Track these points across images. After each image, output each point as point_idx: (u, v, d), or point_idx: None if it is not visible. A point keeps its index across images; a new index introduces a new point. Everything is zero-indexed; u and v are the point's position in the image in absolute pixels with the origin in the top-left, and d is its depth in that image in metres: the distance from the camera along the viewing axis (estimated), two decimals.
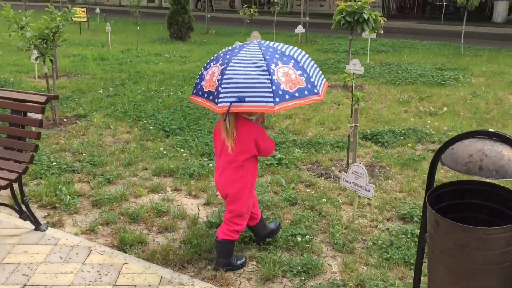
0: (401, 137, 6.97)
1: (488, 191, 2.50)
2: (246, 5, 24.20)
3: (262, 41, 3.47)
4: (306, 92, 3.22)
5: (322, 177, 5.64)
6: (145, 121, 7.68)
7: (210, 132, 7.17)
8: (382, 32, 10.30)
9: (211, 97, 3.20)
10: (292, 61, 3.30)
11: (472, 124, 7.70)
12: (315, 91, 3.28)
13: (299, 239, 4.16)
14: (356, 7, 8.91)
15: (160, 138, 6.95)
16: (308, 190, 5.29)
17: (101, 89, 10.02)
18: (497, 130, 2.31)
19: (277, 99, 3.08)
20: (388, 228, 4.42)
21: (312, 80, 3.29)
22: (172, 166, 5.79)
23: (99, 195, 5.02)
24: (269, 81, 3.11)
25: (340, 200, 5.01)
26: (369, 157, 6.33)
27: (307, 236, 4.21)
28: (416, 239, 4.13)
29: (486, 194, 2.50)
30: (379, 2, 31.46)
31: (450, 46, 17.84)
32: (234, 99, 3.06)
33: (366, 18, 9.45)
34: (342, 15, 9.12)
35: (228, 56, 3.27)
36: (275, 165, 5.98)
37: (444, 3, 29.50)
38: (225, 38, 20.17)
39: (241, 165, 3.43)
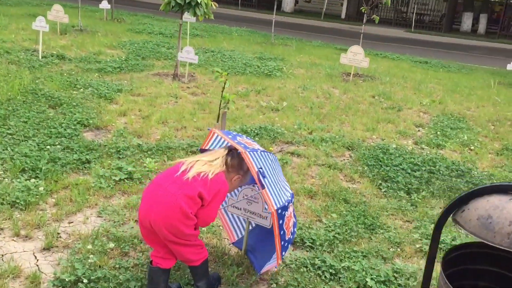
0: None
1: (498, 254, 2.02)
2: None
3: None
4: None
5: None
6: None
7: (26, 136, 5.56)
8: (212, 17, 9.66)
9: (242, 145, 3.12)
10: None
11: (314, 121, 7.64)
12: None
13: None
14: None
15: None
16: None
17: None
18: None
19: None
20: (289, 261, 3.80)
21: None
22: None
23: None
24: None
25: (220, 226, 4.21)
26: None
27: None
28: (320, 270, 3.61)
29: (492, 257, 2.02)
30: None
31: (259, 34, 18.23)
32: (260, 167, 3.08)
33: (199, 1, 8.73)
34: None
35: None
36: (125, 180, 4.86)
37: None
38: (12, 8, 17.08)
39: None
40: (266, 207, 3.47)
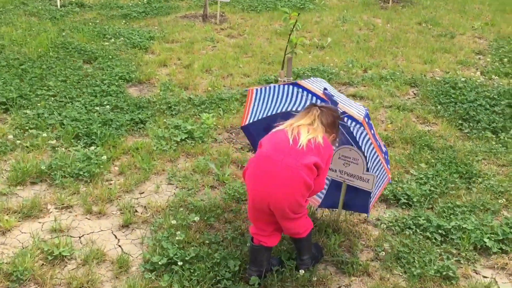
0: None
1: None
2: None
3: None
4: None
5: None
6: None
7: (70, 97, 5.15)
8: None
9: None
10: None
11: (365, 56, 7.06)
12: None
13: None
14: None
15: None
16: None
17: None
18: None
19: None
20: (388, 222, 3.44)
21: None
22: (40, 166, 3.86)
23: None
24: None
25: None
26: None
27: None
28: (428, 232, 3.25)
29: None
30: None
31: None
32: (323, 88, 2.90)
33: None
34: None
35: None
36: (187, 141, 4.47)
37: None
38: None
39: None
40: (368, 166, 3.07)
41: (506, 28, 8.87)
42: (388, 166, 3.03)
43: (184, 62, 6.57)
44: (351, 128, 3.11)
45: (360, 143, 3.09)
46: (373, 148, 2.93)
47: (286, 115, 3.16)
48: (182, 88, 5.73)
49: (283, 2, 10.46)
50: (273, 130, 2.74)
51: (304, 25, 8.68)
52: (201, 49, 7.17)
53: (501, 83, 6.00)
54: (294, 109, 3.10)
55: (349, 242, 3.21)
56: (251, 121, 3.30)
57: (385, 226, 3.34)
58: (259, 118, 3.27)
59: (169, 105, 5.17)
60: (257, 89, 3.17)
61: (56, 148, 4.22)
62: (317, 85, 2.95)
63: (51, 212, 3.44)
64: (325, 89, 2.86)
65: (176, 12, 9.44)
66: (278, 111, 3.16)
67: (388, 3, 10.60)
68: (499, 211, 3.56)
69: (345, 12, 9.76)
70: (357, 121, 2.86)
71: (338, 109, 2.82)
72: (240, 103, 5.32)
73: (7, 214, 3.33)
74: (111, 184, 3.82)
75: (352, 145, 3.13)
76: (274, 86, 3.09)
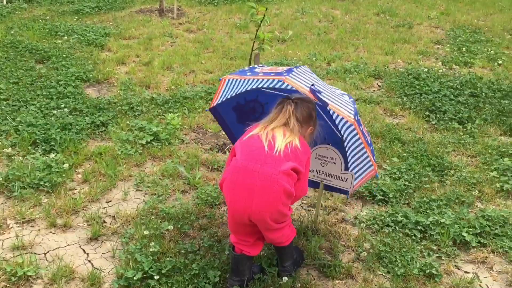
0: None
1: None
2: None
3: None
4: None
5: (226, 151, 4.24)
6: None
7: (24, 101, 4.83)
8: None
9: (272, 74, 2.75)
10: None
11: (327, 49, 7.02)
12: None
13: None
14: None
15: None
16: (217, 176, 3.85)
17: None
18: None
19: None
20: (366, 220, 3.39)
21: None
22: None
23: None
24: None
25: None
26: None
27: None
28: (407, 229, 3.22)
29: None
30: None
31: None
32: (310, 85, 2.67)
33: None
34: None
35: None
36: (153, 143, 4.28)
37: None
38: None
39: None
40: (345, 166, 2.99)
41: (460, 17, 9.06)
42: (374, 158, 2.92)
43: (143, 60, 6.32)
44: (337, 120, 2.86)
45: (342, 132, 2.85)
46: (360, 143, 2.79)
47: (255, 93, 2.99)
48: (143, 87, 5.50)
49: None
50: (247, 135, 2.57)
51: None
52: (160, 45, 6.93)
53: (462, 73, 6.10)
54: (265, 86, 2.81)
55: (329, 243, 3.14)
56: (219, 101, 3.09)
57: (364, 225, 3.29)
58: (228, 97, 3.05)
59: (131, 105, 4.94)
60: (229, 80, 2.97)
61: (12, 157, 3.94)
62: (303, 79, 2.72)
63: (11, 227, 3.20)
64: (312, 85, 2.66)
65: (130, 7, 9.11)
66: (248, 89, 2.91)
67: None
68: (473, 203, 3.58)
69: (303, 4, 9.70)
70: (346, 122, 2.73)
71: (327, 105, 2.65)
72: (205, 101, 5.16)
73: None
74: (75, 193, 3.60)
75: (329, 144, 3.04)
76: (253, 80, 2.85)
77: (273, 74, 2.78)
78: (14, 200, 3.45)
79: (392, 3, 10.02)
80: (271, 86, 2.77)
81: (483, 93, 5.35)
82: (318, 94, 2.62)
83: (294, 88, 2.65)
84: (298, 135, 2.56)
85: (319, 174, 3.13)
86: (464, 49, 7.04)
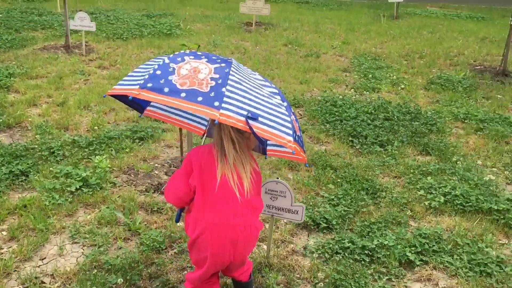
0: None
1: None
2: None
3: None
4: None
5: (163, 191, 4.11)
6: None
7: None
8: None
9: (199, 98, 2.11)
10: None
11: None
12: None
13: None
14: None
15: None
16: (158, 219, 3.72)
17: None
18: None
19: (296, 138, 2.32)
20: (316, 250, 3.45)
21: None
22: None
23: None
24: (284, 109, 2.36)
25: None
26: None
27: None
28: (356, 254, 3.33)
29: None
30: None
31: None
32: (246, 113, 2.14)
33: None
34: None
35: (218, 58, 2.37)
36: (83, 189, 4.03)
37: None
38: None
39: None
40: (293, 196, 3.04)
41: (360, 45, 9.72)
42: (304, 148, 2.53)
43: (57, 100, 5.98)
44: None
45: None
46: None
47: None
48: (61, 129, 5.19)
49: (149, 29, 10.20)
50: (205, 177, 2.35)
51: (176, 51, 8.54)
52: (72, 84, 6.62)
53: (372, 98, 6.52)
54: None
55: (285, 277, 3.14)
56: (143, 79, 2.25)
57: (315, 255, 3.34)
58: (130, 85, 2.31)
59: (52, 150, 4.63)
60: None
61: None
62: (239, 99, 2.17)
63: None
64: (248, 114, 2.13)
65: (32, 44, 8.62)
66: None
67: (252, 26, 10.95)
68: (407, 223, 3.80)
69: (213, 37, 9.84)
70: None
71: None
72: (131, 140, 4.98)
73: None
74: (2, 253, 3.26)
75: (278, 178, 3.07)
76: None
77: (200, 99, 2.11)
78: None
79: (297, 34, 10.51)
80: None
81: (395, 116, 5.76)
82: (255, 122, 2.15)
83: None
84: (247, 151, 2.41)
85: (270, 208, 3.15)
86: (370, 75, 7.54)
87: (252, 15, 11.03)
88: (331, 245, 3.43)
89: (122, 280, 2.99)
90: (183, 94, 2.13)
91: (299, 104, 6.22)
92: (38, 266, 3.17)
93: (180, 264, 3.21)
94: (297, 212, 3.11)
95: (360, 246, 3.37)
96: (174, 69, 2.24)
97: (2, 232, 3.48)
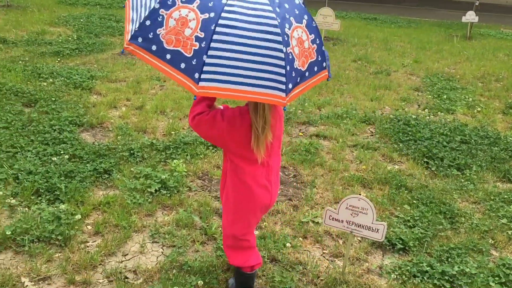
0: None
1: None
2: None
3: None
4: (316, 68, 2.27)
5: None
6: None
7: (18, 147, 4.63)
8: None
9: (182, 65, 1.97)
10: (306, 16, 2.24)
11: (315, 94, 7.16)
12: (324, 65, 2.35)
13: None
14: None
15: None
16: None
17: None
18: None
19: (290, 85, 2.06)
20: (392, 271, 3.39)
21: (322, 48, 2.33)
22: (5, 231, 3.37)
23: None
24: (282, 54, 2.00)
25: (299, 237, 3.71)
26: None
27: None
28: (435, 279, 3.24)
29: None
30: None
31: None
32: (232, 78, 1.96)
33: None
34: None
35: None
36: (161, 191, 4.17)
37: None
38: None
39: None
40: (375, 214, 3.01)
41: (432, 65, 9.50)
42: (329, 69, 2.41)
43: (135, 103, 6.23)
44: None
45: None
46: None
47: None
48: (140, 132, 5.40)
49: None
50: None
51: None
52: (149, 89, 6.87)
53: (448, 120, 6.34)
54: None
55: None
56: (136, 27, 2.08)
57: (393, 276, 3.28)
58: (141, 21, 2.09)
59: (132, 151, 4.83)
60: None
61: (16, 208, 3.73)
62: None
63: (26, 286, 2.99)
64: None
65: (111, 49, 9.04)
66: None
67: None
68: (489, 251, 3.66)
69: None
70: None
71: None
72: (205, 146, 5.11)
73: None
74: (88, 246, 3.43)
75: (360, 195, 3.06)
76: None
77: (183, 66, 1.99)
78: (24, 256, 3.25)
79: (366, 51, 10.42)
80: None
81: (473, 140, 5.57)
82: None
83: None
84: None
85: (350, 224, 3.13)
86: (444, 96, 7.35)
87: (321, 29, 11.04)
88: (408, 267, 3.36)
89: (202, 283, 3.06)
90: (168, 56, 1.99)
91: (370, 122, 6.15)
92: (121, 262, 3.30)
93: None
94: (377, 231, 3.08)
95: (439, 271, 3.28)
96: (163, 17, 2.01)
97: (87, 226, 3.66)
